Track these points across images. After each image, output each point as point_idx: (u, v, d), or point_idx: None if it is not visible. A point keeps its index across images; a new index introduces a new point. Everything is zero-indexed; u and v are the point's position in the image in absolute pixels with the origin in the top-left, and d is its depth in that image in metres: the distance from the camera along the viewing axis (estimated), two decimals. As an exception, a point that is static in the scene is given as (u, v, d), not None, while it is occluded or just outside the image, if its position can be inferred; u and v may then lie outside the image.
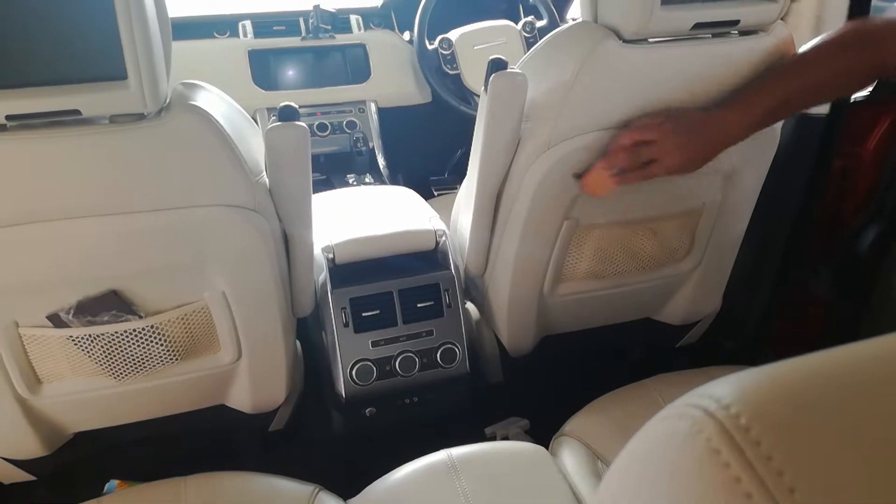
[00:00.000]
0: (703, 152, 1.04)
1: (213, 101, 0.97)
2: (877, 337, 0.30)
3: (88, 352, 1.04)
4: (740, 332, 1.61)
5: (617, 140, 1.06)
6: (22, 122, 0.84)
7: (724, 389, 0.27)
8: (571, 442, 1.11)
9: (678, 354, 1.57)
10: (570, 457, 1.09)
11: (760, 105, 1.03)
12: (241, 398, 1.22)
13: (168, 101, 0.90)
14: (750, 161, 1.21)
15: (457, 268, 1.34)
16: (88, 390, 1.09)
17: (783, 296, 1.56)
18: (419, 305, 1.31)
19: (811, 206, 1.43)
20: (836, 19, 1.32)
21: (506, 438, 1.44)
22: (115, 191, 0.91)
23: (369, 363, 1.28)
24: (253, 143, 1.02)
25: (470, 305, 1.49)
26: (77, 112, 0.84)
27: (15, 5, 0.78)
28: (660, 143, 1.03)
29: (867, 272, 1.37)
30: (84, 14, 0.80)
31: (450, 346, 1.31)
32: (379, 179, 2.03)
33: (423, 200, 1.53)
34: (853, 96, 1.39)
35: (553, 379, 1.50)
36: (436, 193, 2.12)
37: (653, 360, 1.34)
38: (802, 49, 1.06)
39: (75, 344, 1.03)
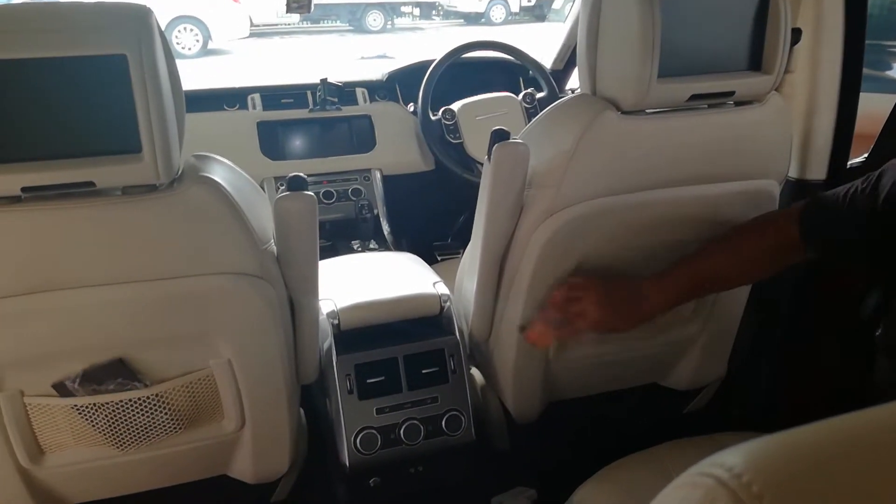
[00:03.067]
0: (623, 319, 1.15)
1: (224, 172, 0.99)
2: (885, 404, 0.30)
3: (92, 421, 1.03)
4: (747, 398, 1.59)
5: (552, 296, 1.17)
6: (36, 193, 0.86)
7: (735, 458, 0.27)
8: (580, 513, 1.09)
9: (686, 421, 1.55)
10: (579, 528, 1.06)
11: (674, 289, 1.13)
12: (244, 468, 1.20)
13: (180, 172, 0.93)
14: None
15: (461, 333, 1.34)
16: (91, 460, 1.07)
17: (789, 361, 1.55)
18: (424, 371, 1.30)
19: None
20: (830, 90, 1.36)
21: (513, 509, 1.41)
22: (126, 260, 0.92)
23: (374, 431, 1.26)
24: (261, 212, 1.04)
25: (475, 371, 1.48)
26: (91, 184, 0.86)
27: (33, 80, 0.81)
28: (586, 300, 1.14)
29: (873, 336, 1.36)
30: (101, 89, 0.84)
31: (455, 413, 1.30)
32: (383, 245, 2.05)
33: (427, 266, 1.54)
34: (850, 163, 1.42)
35: (560, 446, 1.48)
36: (439, 259, 2.13)
37: (660, 426, 1.32)
38: (718, 237, 1.14)
39: (79, 413, 1.02)
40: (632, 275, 1.17)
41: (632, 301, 1.14)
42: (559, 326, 1.16)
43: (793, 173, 1.40)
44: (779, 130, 1.18)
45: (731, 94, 1.11)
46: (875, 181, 0.97)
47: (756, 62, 1.11)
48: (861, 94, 1.38)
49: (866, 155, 1.45)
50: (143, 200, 0.90)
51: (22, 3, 0.90)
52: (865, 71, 1.38)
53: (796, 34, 1.29)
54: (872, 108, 1.48)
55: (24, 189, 0.84)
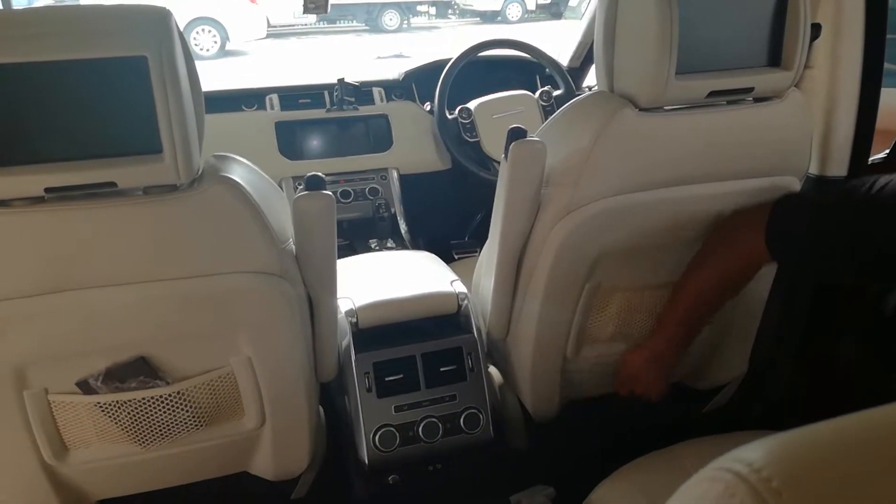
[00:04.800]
0: (662, 376, 1.27)
1: (243, 171, 1.00)
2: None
3: (115, 418, 1.05)
4: (767, 396, 1.58)
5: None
6: (60, 194, 0.87)
7: (755, 453, 0.27)
8: (599, 511, 1.09)
9: (705, 419, 1.55)
10: (597, 526, 1.06)
11: (669, 326, 1.22)
12: (264, 465, 1.21)
13: (200, 172, 0.94)
14: None
15: (479, 331, 1.34)
16: (113, 457, 1.09)
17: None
18: (442, 369, 1.31)
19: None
20: (851, 85, 1.34)
21: (531, 507, 1.41)
22: (148, 259, 0.94)
23: (392, 429, 1.27)
24: (280, 212, 1.05)
25: (493, 369, 1.48)
26: (113, 184, 0.87)
27: (54, 83, 0.82)
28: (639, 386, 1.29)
29: (893, 331, 1.35)
30: (122, 91, 0.85)
31: (473, 411, 1.30)
32: (401, 244, 2.05)
33: (444, 264, 1.54)
34: (871, 159, 1.41)
35: (579, 445, 1.48)
36: (456, 257, 2.13)
37: (680, 425, 1.32)
38: (684, 276, 1.19)
39: (103, 410, 1.04)
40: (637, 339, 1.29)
41: (654, 363, 1.26)
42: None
43: (813, 170, 1.39)
44: (799, 127, 1.17)
45: (751, 90, 1.10)
46: (869, 185, 0.97)
47: (775, 58, 1.10)
48: (882, 89, 1.37)
49: (888, 151, 1.44)
50: (163, 200, 0.91)
51: (43, 7, 0.91)
52: (887, 66, 1.36)
53: (816, 29, 1.28)
54: (894, 103, 1.46)
55: (47, 190, 0.86)
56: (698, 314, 1.19)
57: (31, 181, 0.85)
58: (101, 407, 1.03)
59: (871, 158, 1.41)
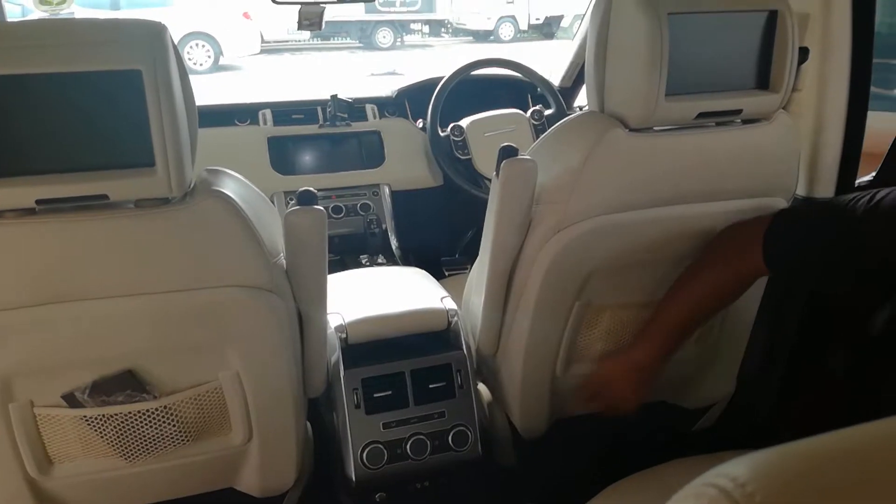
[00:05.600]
0: (639, 387, 1.22)
1: (235, 186, 1.00)
2: (893, 417, 0.31)
3: (101, 432, 1.04)
4: (755, 415, 1.58)
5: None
6: (51, 206, 0.87)
7: (739, 469, 0.28)
8: (586, 530, 1.08)
9: (693, 439, 1.55)
10: (585, 545, 1.06)
11: (654, 335, 1.18)
12: (251, 481, 1.20)
13: (192, 186, 0.94)
14: None
15: (468, 348, 1.34)
16: (98, 472, 1.08)
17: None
18: (431, 386, 1.30)
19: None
20: (838, 108, 1.36)
21: (519, 526, 1.40)
22: (138, 272, 0.93)
23: (380, 446, 1.26)
24: (271, 226, 1.05)
25: (482, 386, 1.48)
26: (105, 197, 0.87)
27: (49, 95, 0.82)
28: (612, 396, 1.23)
29: (884, 350, 1.35)
30: (116, 104, 0.85)
31: (462, 428, 1.30)
32: (391, 260, 2.05)
33: (434, 280, 1.54)
34: (858, 181, 1.42)
35: (567, 463, 1.47)
36: (447, 274, 2.14)
37: (668, 444, 1.32)
38: (682, 277, 1.17)
39: (88, 424, 1.03)
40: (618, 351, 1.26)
41: (633, 374, 1.21)
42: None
43: (801, 191, 1.40)
44: (786, 148, 1.19)
45: (739, 112, 1.11)
46: (871, 198, 0.98)
47: (763, 81, 1.11)
48: (869, 112, 1.38)
49: (874, 173, 1.45)
50: (155, 214, 0.91)
51: (38, 20, 0.91)
52: (873, 89, 1.38)
53: (804, 53, 1.30)
54: (881, 126, 1.48)
55: (38, 201, 0.85)
56: (687, 325, 1.19)
57: (23, 193, 0.85)
58: (86, 420, 1.03)
59: (857, 181, 1.43)
